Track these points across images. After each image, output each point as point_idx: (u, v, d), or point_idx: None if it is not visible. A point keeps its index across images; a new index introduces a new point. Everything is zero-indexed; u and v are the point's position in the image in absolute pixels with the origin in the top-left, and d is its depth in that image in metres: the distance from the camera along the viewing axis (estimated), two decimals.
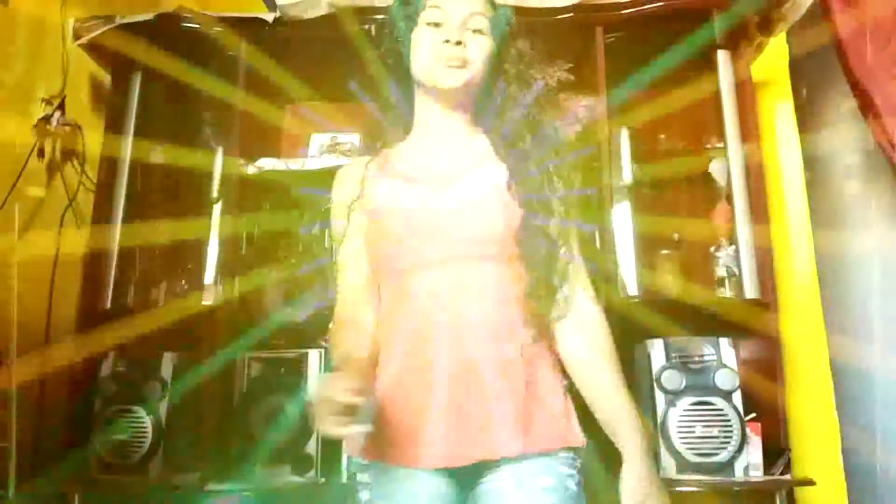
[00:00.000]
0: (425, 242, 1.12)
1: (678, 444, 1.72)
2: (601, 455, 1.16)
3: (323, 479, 1.79)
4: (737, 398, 1.76)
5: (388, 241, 1.16)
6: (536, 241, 1.13)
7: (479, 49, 1.19)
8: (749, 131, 1.95)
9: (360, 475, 1.11)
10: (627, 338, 1.84)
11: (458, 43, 1.17)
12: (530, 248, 1.13)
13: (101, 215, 1.98)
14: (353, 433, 0.92)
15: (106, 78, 2.14)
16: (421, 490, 1.06)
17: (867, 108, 1.65)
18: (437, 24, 1.19)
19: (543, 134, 1.21)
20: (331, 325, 1.23)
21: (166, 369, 1.89)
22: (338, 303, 1.23)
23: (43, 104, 1.95)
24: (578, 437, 1.10)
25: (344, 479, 1.72)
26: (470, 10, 1.19)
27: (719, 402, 1.74)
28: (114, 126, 2.04)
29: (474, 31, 1.19)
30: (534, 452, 1.06)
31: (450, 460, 1.05)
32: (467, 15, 1.19)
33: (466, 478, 1.08)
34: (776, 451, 1.74)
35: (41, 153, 1.92)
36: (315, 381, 1.06)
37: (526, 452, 1.05)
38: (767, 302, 1.84)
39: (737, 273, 1.91)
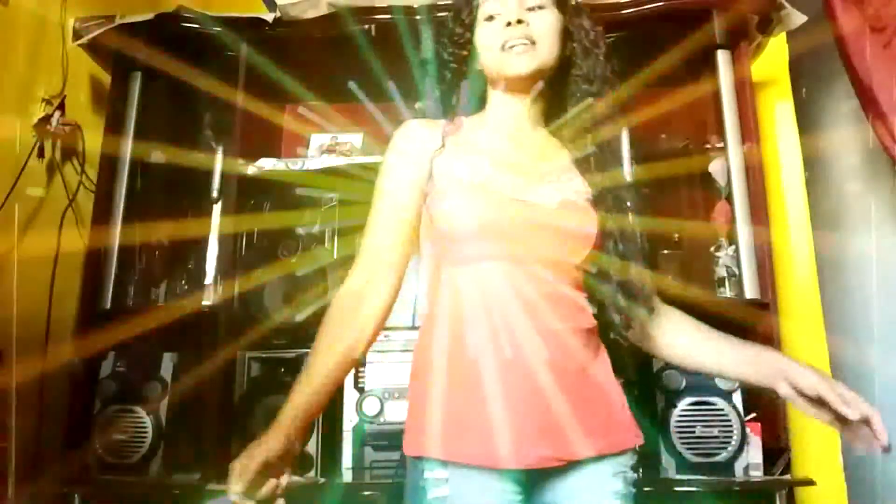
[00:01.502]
0: (519, 234, 1.07)
1: (678, 444, 1.72)
2: None
3: (323, 479, 1.79)
4: (737, 398, 1.76)
5: (476, 220, 1.07)
6: (613, 255, 1.13)
7: (544, 23, 1.14)
8: (749, 131, 1.95)
9: (437, 471, 1.03)
10: None
11: (520, 21, 1.12)
12: (607, 260, 1.13)
13: (101, 215, 1.98)
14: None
15: (106, 78, 2.14)
16: (497, 487, 1.02)
17: (869, 106, 1.65)
18: (494, 17, 1.15)
19: (615, 142, 1.21)
20: (335, 292, 1.14)
21: (166, 369, 1.89)
22: (355, 266, 1.13)
23: (43, 104, 1.95)
24: (641, 436, 1.11)
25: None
26: None
27: (719, 402, 1.74)
28: (114, 126, 2.04)
29: (533, 7, 1.15)
30: (610, 453, 1.06)
31: (533, 461, 1.02)
32: None
33: (542, 477, 1.06)
34: (776, 451, 1.74)
35: (41, 153, 1.92)
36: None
37: (604, 453, 1.05)
38: (767, 302, 1.84)
39: (737, 273, 1.91)
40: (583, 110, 1.18)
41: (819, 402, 1.06)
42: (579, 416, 1.04)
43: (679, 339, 1.20)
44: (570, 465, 1.05)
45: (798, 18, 1.88)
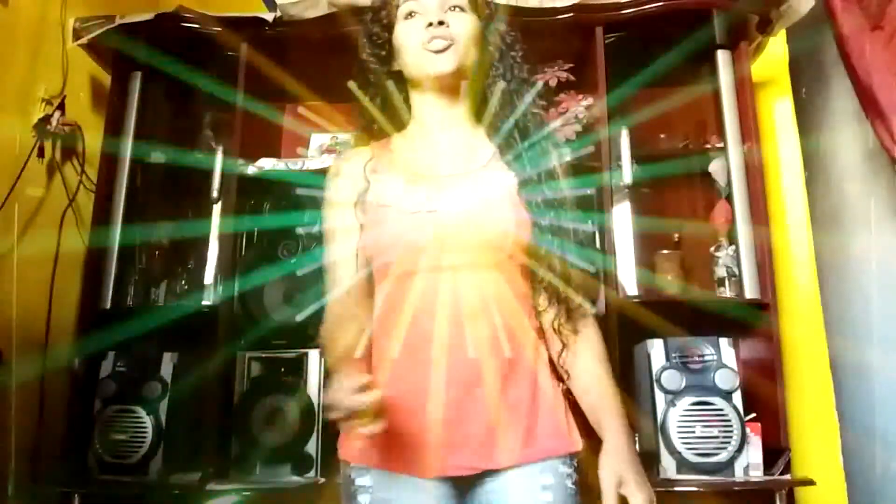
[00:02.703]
0: (432, 246, 1.08)
1: (678, 444, 1.72)
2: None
3: (323, 479, 1.79)
4: (737, 398, 1.76)
5: (390, 241, 1.10)
6: (545, 249, 1.11)
7: (463, 24, 1.16)
8: (749, 131, 1.95)
9: (360, 479, 1.09)
10: (627, 338, 1.84)
11: (441, 23, 1.13)
12: (539, 255, 1.11)
13: (101, 215, 1.98)
14: (369, 433, 0.91)
15: (106, 78, 2.14)
16: (422, 496, 1.05)
17: (869, 106, 1.65)
18: (413, 14, 1.17)
19: (544, 132, 1.18)
20: (323, 325, 1.17)
21: (166, 369, 1.89)
22: (333, 300, 1.16)
23: (43, 104, 1.95)
24: (577, 443, 1.10)
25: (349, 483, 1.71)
26: None
27: (719, 402, 1.74)
28: (114, 126, 2.04)
29: (453, 7, 1.16)
30: (536, 460, 1.06)
31: (453, 469, 1.04)
32: None
33: (468, 482, 1.07)
34: (776, 451, 1.74)
35: (41, 153, 1.92)
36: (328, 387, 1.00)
37: (529, 461, 1.05)
38: (767, 302, 1.84)
39: (737, 273, 1.91)
40: (503, 102, 1.18)
41: None
42: (500, 426, 1.05)
43: (577, 370, 1.14)
44: (499, 470, 1.05)
45: (805, 5, 1.86)
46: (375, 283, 1.15)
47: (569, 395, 1.14)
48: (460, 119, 1.20)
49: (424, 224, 1.09)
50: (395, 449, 1.05)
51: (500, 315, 1.07)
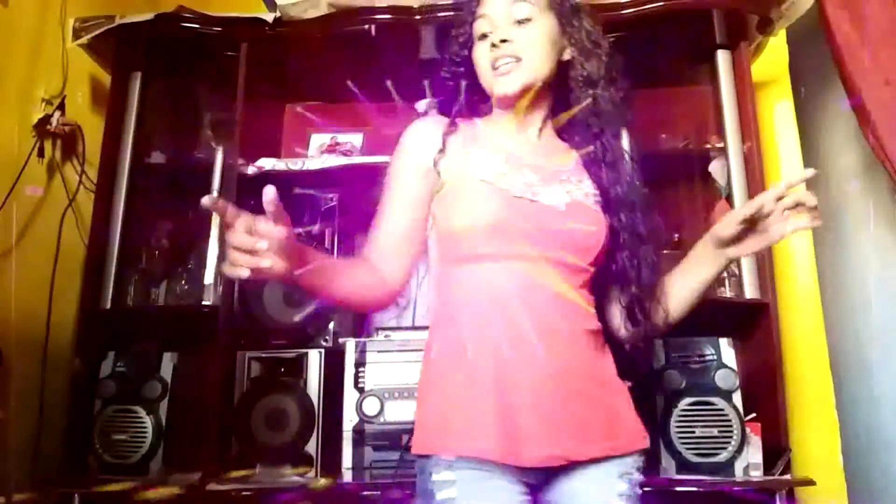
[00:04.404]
0: (526, 234, 1.06)
1: (678, 444, 1.72)
2: None
3: (323, 480, 1.79)
4: (737, 398, 1.76)
5: (481, 219, 1.07)
6: (624, 255, 1.14)
7: (531, 37, 1.14)
8: (749, 131, 1.95)
9: (443, 472, 1.02)
10: None
11: (504, 41, 1.13)
12: (618, 262, 1.14)
13: (101, 215, 1.98)
14: (248, 269, 0.88)
15: (106, 78, 2.14)
16: (505, 489, 1.02)
17: (861, 116, 1.66)
18: (486, 35, 1.17)
19: (622, 141, 1.21)
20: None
21: (166, 369, 1.89)
22: (368, 245, 1.15)
23: (43, 104, 1.95)
24: (647, 437, 1.11)
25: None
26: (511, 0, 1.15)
27: (719, 402, 1.74)
28: (114, 126, 2.04)
29: (521, 21, 1.15)
30: (616, 455, 1.06)
31: (538, 460, 1.02)
32: (509, 6, 1.15)
33: (548, 478, 1.06)
34: (776, 451, 1.74)
35: (41, 153, 1.92)
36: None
37: (610, 454, 1.06)
38: (767, 302, 1.84)
39: (737, 273, 1.91)
40: (587, 111, 1.18)
41: (753, 226, 1.09)
42: (585, 417, 1.04)
43: (669, 304, 1.20)
44: (576, 467, 1.04)
45: (804, 4, 1.86)
46: (443, 264, 1.13)
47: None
48: (538, 124, 1.21)
49: (526, 210, 1.08)
50: (477, 438, 1.01)
51: (577, 312, 1.09)
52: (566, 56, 1.20)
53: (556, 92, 1.21)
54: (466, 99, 1.23)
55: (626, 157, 1.19)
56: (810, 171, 1.07)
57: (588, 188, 1.16)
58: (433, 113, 1.31)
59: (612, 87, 1.19)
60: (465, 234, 1.09)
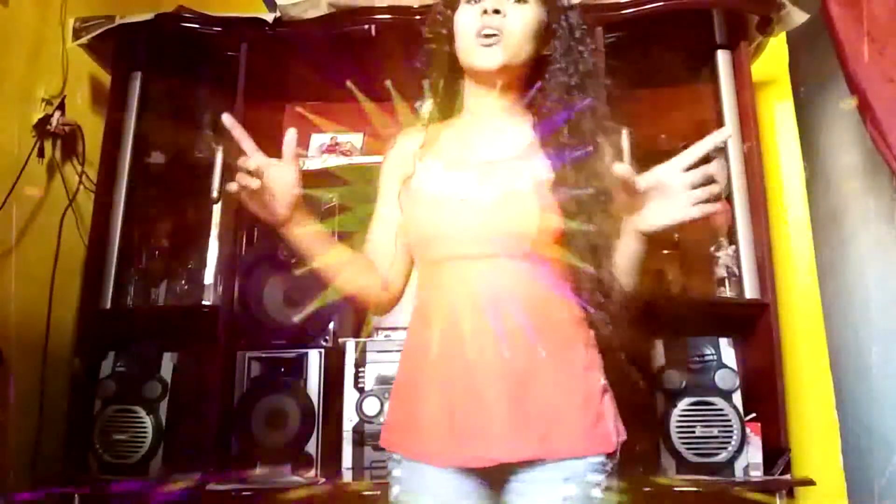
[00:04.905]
0: (459, 235, 1.09)
1: (678, 444, 1.72)
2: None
3: (323, 479, 1.79)
4: (737, 398, 1.76)
5: (423, 227, 1.14)
6: (582, 242, 1.07)
7: (522, 17, 1.13)
8: (749, 131, 1.95)
9: (395, 471, 1.10)
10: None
11: (497, 12, 1.11)
12: (576, 248, 1.07)
13: (101, 215, 1.98)
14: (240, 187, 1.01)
15: (106, 78, 2.13)
16: (447, 487, 1.04)
17: (865, 112, 1.66)
18: (476, 0, 1.14)
19: (595, 123, 1.14)
20: (334, 292, 1.21)
21: (166, 369, 1.89)
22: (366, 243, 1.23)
23: (43, 104, 1.95)
24: (610, 442, 1.05)
25: (346, 478, 1.71)
26: None
27: (719, 402, 1.74)
28: (114, 126, 2.04)
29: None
30: (555, 458, 1.02)
31: (470, 461, 1.03)
32: None
33: (494, 477, 1.06)
34: (776, 451, 1.74)
35: (41, 153, 1.92)
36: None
37: (545, 458, 1.02)
38: (767, 302, 1.84)
39: (737, 273, 1.91)
40: (559, 97, 1.15)
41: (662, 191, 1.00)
42: (519, 420, 1.02)
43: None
44: (520, 467, 1.03)
45: (799, 17, 1.88)
46: (416, 260, 1.20)
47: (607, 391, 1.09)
48: (509, 108, 1.19)
49: (456, 212, 1.10)
50: (417, 435, 1.07)
51: (528, 306, 1.05)
52: (546, 50, 1.18)
53: (531, 79, 1.19)
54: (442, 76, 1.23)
55: (598, 142, 1.14)
56: (727, 131, 1.03)
57: (539, 170, 1.11)
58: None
59: (591, 81, 1.17)
60: (416, 242, 1.17)
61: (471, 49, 1.14)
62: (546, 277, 1.08)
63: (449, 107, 1.25)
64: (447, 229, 1.11)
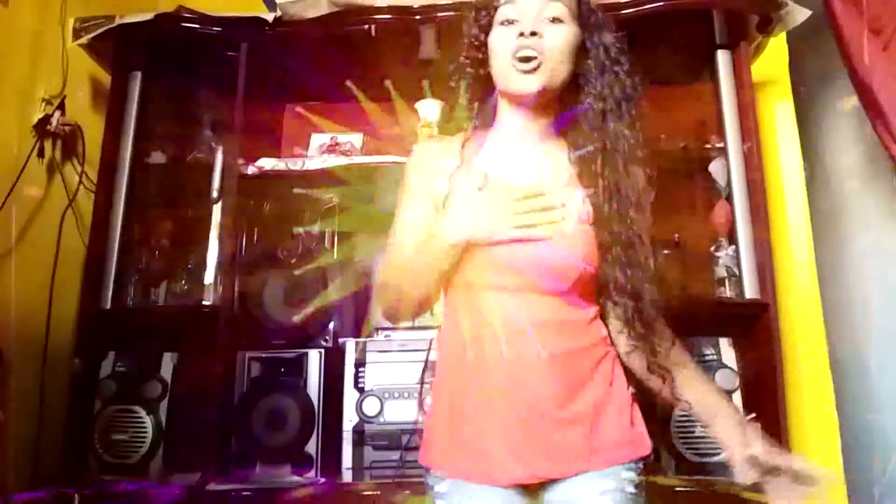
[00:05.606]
0: (500, 268, 1.08)
1: (678, 444, 1.73)
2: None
3: (323, 480, 1.79)
4: (737, 398, 1.76)
5: (465, 256, 1.09)
6: (622, 272, 1.10)
7: (558, 38, 1.11)
8: (749, 131, 1.95)
9: (438, 486, 1.11)
10: None
11: (534, 34, 1.09)
12: (615, 278, 1.10)
13: (101, 215, 1.98)
14: None
15: (106, 78, 2.13)
16: (497, 495, 1.06)
17: (870, 107, 1.66)
18: (511, 22, 1.13)
19: (630, 152, 1.17)
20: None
21: (166, 369, 1.89)
22: (392, 248, 1.17)
23: (43, 104, 1.95)
24: (645, 446, 1.11)
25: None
26: None
27: None
28: (114, 126, 2.04)
29: (552, 19, 1.12)
30: (597, 469, 1.07)
31: (522, 478, 1.06)
32: (543, 2, 1.12)
33: (536, 490, 1.09)
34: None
35: (41, 153, 1.92)
36: None
37: (592, 470, 1.07)
38: (767, 302, 1.84)
39: (737, 273, 1.91)
40: (594, 123, 1.15)
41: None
42: (557, 441, 1.06)
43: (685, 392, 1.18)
44: (568, 476, 1.07)
45: (801, 14, 1.88)
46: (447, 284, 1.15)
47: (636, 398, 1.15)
48: (543, 131, 1.18)
49: (505, 246, 1.08)
50: (468, 457, 1.08)
51: (565, 332, 1.09)
52: (582, 69, 1.17)
53: (567, 101, 1.18)
54: (473, 93, 1.22)
55: (634, 171, 1.17)
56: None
57: (577, 205, 1.12)
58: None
59: (625, 103, 1.17)
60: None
61: (508, 72, 1.12)
62: (580, 308, 1.12)
63: (483, 123, 1.23)
64: (491, 261, 1.08)
